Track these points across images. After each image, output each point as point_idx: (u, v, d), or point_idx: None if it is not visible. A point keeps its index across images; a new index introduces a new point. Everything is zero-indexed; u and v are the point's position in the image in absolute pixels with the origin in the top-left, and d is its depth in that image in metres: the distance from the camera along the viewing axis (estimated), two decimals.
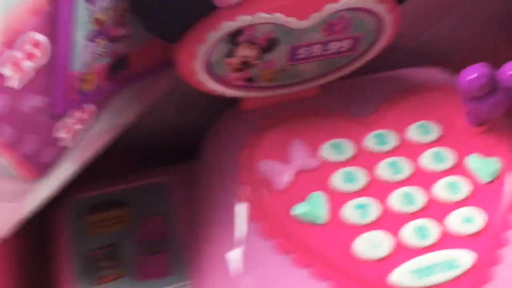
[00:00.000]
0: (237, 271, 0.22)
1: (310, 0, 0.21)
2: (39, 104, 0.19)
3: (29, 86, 0.18)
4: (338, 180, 0.24)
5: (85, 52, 0.19)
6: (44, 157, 0.20)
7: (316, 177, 0.24)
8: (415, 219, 0.23)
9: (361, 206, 0.23)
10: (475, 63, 0.27)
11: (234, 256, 0.23)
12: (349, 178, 0.24)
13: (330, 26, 0.22)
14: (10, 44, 0.17)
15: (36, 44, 0.18)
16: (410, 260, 0.22)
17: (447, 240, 0.23)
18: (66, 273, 0.26)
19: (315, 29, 0.22)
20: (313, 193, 0.23)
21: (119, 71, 0.21)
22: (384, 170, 0.24)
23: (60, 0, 0.18)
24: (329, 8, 0.21)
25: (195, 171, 0.27)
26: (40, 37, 0.18)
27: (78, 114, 0.21)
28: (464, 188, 0.24)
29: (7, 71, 0.17)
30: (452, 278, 0.22)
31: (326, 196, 0.23)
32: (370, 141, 0.25)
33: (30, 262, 0.28)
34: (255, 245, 0.23)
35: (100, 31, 0.20)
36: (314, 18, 0.21)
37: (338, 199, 0.23)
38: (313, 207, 0.23)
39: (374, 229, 0.23)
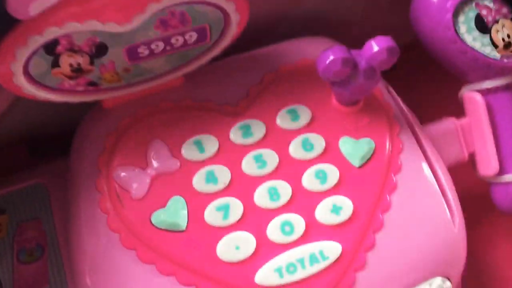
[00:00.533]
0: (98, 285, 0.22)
1: (129, 1, 0.18)
2: None
3: None
4: (199, 181, 0.23)
5: None
6: None
7: (176, 180, 0.23)
8: (279, 214, 0.22)
9: (223, 208, 0.22)
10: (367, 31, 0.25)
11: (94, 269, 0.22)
12: (211, 178, 0.23)
13: (162, 22, 0.20)
14: None
15: None
16: (274, 258, 0.22)
17: (313, 233, 0.22)
18: None
19: (145, 28, 0.20)
20: (172, 198, 0.23)
21: None
22: (248, 165, 0.23)
23: None
24: (152, 7, 0.19)
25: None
26: None
27: None
28: (332, 175, 0.23)
29: None
30: (319, 270, 0.22)
31: (187, 200, 0.22)
32: (235, 134, 0.24)
33: None
34: (115, 256, 0.22)
35: None
36: (138, 19, 0.19)
37: (199, 201, 0.23)
38: (173, 213, 0.22)
39: (237, 230, 0.22)
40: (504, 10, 0.26)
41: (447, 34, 0.25)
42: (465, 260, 0.24)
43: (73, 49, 0.20)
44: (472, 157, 0.27)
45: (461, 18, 0.25)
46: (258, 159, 0.23)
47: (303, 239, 0.22)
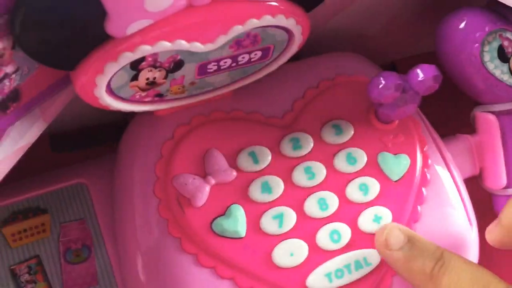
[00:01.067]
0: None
1: (214, 24, 0.20)
2: None
3: None
4: (254, 190, 0.24)
5: None
6: None
7: (233, 189, 0.24)
8: (328, 223, 0.24)
9: (278, 216, 0.24)
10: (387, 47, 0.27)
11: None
12: (266, 188, 0.24)
13: (237, 42, 0.21)
14: None
15: None
16: (324, 263, 0.24)
17: (357, 241, 0.24)
18: None
19: (222, 47, 0.21)
20: (231, 205, 0.24)
21: (10, 106, 0.20)
22: (299, 176, 0.25)
23: None
24: (236, 30, 0.20)
25: (113, 170, 0.26)
26: None
27: None
28: (374, 188, 0.25)
29: None
30: (362, 275, 0.24)
31: (244, 208, 0.24)
32: (286, 146, 0.25)
33: None
34: (176, 259, 0.23)
35: None
36: (221, 40, 0.20)
37: (255, 210, 0.24)
38: (233, 221, 0.24)
39: (291, 237, 0.24)
40: None
41: (473, 62, 0.28)
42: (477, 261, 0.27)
43: (154, 65, 0.20)
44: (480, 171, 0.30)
45: (486, 48, 0.27)
46: (308, 170, 0.25)
47: (349, 246, 0.24)
